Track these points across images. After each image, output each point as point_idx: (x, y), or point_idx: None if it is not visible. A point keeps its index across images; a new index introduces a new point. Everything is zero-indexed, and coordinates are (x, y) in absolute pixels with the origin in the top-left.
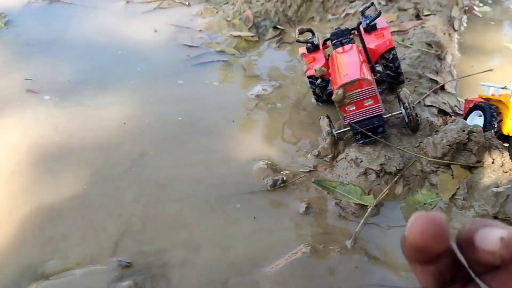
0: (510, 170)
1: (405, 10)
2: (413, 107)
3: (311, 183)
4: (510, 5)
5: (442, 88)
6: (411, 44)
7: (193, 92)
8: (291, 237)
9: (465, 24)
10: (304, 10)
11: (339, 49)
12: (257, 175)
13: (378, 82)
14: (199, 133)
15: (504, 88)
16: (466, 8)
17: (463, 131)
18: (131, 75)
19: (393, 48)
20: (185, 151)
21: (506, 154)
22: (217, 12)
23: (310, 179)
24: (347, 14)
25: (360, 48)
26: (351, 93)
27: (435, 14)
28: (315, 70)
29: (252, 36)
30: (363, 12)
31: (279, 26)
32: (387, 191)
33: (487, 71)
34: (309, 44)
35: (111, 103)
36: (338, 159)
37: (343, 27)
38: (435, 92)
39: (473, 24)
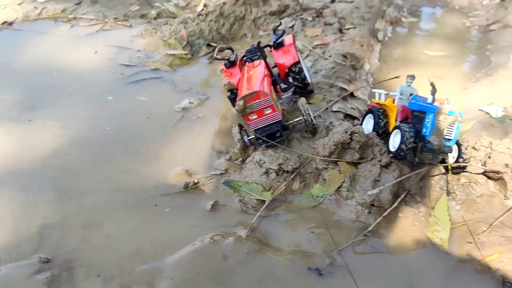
0: (387, 164)
1: (330, 24)
2: (309, 113)
3: (220, 185)
4: (437, 16)
5: (352, 95)
6: (329, 56)
7: (123, 107)
8: (196, 230)
9: (389, 35)
10: (236, 28)
11: (250, 65)
12: (173, 179)
13: (285, 91)
14: (124, 144)
15: (388, 94)
16: (393, 20)
17: (346, 132)
18: (63, 95)
19: (298, 62)
20: (109, 161)
21: (385, 150)
22: (155, 33)
23: (220, 181)
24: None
25: (270, 64)
26: (251, 103)
27: (355, 28)
28: (223, 84)
29: (185, 54)
30: (274, 30)
31: (212, 44)
32: (284, 187)
33: (394, 77)
34: (226, 61)
35: (42, 117)
36: (246, 162)
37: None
38: (344, 99)
39: (399, 34)
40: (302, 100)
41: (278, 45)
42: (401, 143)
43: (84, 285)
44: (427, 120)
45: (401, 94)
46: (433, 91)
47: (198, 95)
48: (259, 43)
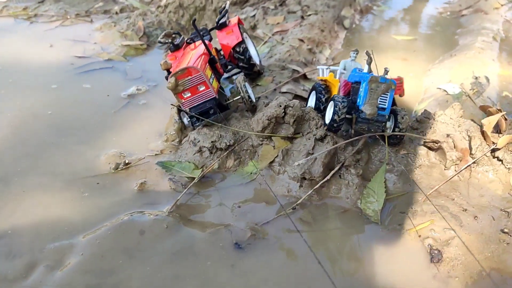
0: (321, 137)
1: (294, 12)
2: (246, 90)
3: (153, 165)
4: (410, 4)
5: (305, 77)
6: (286, 42)
7: (68, 95)
8: (119, 209)
9: (357, 22)
10: (197, 18)
11: (191, 46)
12: (105, 162)
13: (229, 71)
14: (62, 129)
15: (328, 68)
16: (364, 8)
17: (280, 106)
18: (2, 86)
19: (242, 42)
20: (43, 146)
21: (321, 124)
22: (114, 26)
23: (154, 162)
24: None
25: (209, 44)
26: (183, 80)
27: (317, 14)
28: (160, 64)
29: (141, 44)
30: (220, 12)
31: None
32: (217, 164)
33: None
34: (170, 45)
35: None
36: (182, 142)
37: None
38: (296, 81)
39: (369, 22)
40: (239, 77)
41: (221, 26)
42: (333, 114)
43: None
44: (360, 90)
45: (344, 69)
46: (369, 61)
47: (148, 82)
48: (194, 20)
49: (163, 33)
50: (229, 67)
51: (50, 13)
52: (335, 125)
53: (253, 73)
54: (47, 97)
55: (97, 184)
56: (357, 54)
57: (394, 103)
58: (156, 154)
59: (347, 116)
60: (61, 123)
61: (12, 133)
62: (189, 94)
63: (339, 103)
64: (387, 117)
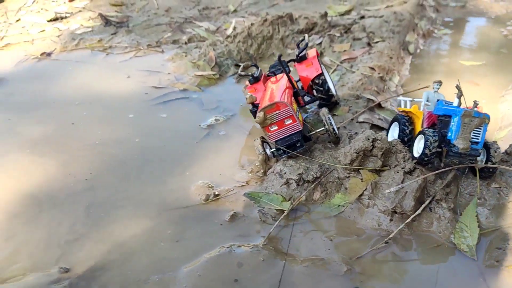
0: (410, 170)
1: (359, 39)
2: (331, 123)
3: (241, 196)
4: (472, 26)
5: (380, 106)
6: (357, 70)
7: (146, 125)
8: (214, 240)
9: (422, 47)
10: (264, 48)
11: (273, 79)
12: (195, 192)
13: (309, 103)
14: (150, 159)
15: (412, 101)
16: (426, 32)
17: (368, 139)
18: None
19: (321, 74)
20: (134, 175)
21: (409, 156)
22: (185, 56)
23: (241, 193)
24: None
25: (291, 77)
26: (271, 115)
27: (384, 41)
28: (246, 97)
29: (214, 74)
30: (298, 45)
31: (240, 64)
32: (304, 197)
33: (424, 87)
34: (250, 77)
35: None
36: (268, 173)
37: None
38: (371, 110)
39: (432, 46)
40: (324, 110)
41: (301, 59)
42: (424, 147)
43: None
44: (452, 123)
45: (427, 100)
46: (459, 94)
47: (225, 112)
48: (279, 56)
49: (242, 66)
50: (309, 98)
51: (123, 44)
52: (425, 158)
53: (331, 104)
54: (132, 127)
55: (190, 215)
56: (440, 85)
57: None
58: (242, 185)
59: (437, 149)
60: (146, 153)
61: (100, 160)
62: (276, 128)
63: (430, 137)
64: (480, 151)
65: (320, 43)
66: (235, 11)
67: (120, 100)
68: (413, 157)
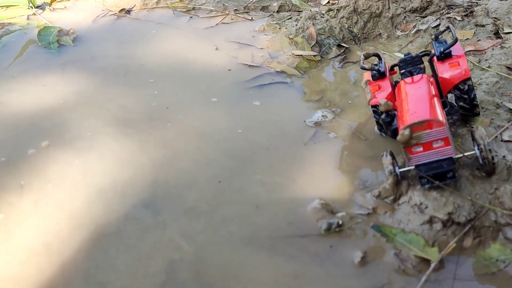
0: None
1: (483, 26)
2: (489, 149)
3: (368, 228)
4: None
5: None
6: (488, 67)
7: (238, 113)
8: None
9: None
10: (370, 27)
11: (408, 79)
12: (311, 217)
13: (449, 114)
14: (248, 164)
15: None
16: None
17: None
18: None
19: (469, 79)
20: (232, 181)
21: None
22: (279, 28)
23: (367, 223)
24: (417, 31)
25: (431, 79)
26: (419, 133)
27: None
28: (380, 104)
29: (314, 56)
30: (436, 37)
31: (343, 44)
32: (455, 244)
33: None
34: (374, 72)
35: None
36: (400, 202)
37: (413, 53)
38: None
39: None
40: (481, 130)
41: (445, 56)
42: None
43: None
44: None
45: None
46: None
47: (331, 106)
48: (424, 52)
49: (363, 56)
50: (451, 109)
51: (208, 7)
52: None
53: (472, 114)
54: (230, 120)
55: (308, 248)
56: None
57: None
58: (368, 214)
59: None
60: (239, 150)
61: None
62: (421, 149)
63: None
64: None
65: (437, 26)
66: None
67: (208, 79)
68: None
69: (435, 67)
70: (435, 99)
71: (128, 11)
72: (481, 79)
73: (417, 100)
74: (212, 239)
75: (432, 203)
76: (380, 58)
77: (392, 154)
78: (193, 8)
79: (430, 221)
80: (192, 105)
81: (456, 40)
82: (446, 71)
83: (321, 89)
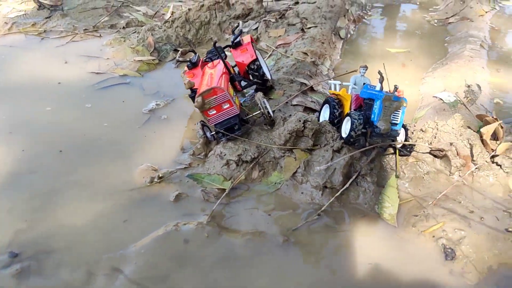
0: (338, 149)
1: (293, 25)
2: (266, 106)
3: (184, 178)
4: (398, 12)
5: (313, 89)
6: (291, 55)
7: (92, 112)
8: (161, 220)
9: (352, 32)
10: (202, 33)
11: (210, 64)
12: (139, 175)
13: (245, 87)
14: (97, 145)
15: (341, 84)
16: (356, 18)
17: (300, 120)
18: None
19: (256, 60)
20: (79, 161)
21: (337, 136)
22: (124, 41)
23: (184, 175)
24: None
25: (227, 62)
26: (209, 99)
27: (316, 27)
28: (184, 83)
29: (153, 60)
30: (233, 31)
31: (178, 49)
32: (244, 176)
33: (353, 71)
34: (188, 63)
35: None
36: (209, 155)
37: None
38: (304, 93)
39: (362, 31)
40: (259, 94)
41: (236, 45)
42: (351, 130)
43: (52, 274)
44: (374, 106)
45: (354, 84)
46: (381, 79)
47: (165, 97)
48: (215, 42)
49: (180, 52)
50: (245, 83)
51: (59, 29)
52: (351, 139)
53: (266, 88)
54: (74, 113)
55: (136, 197)
56: (366, 70)
57: None
58: (185, 167)
59: (362, 130)
60: (90, 139)
61: (48, 150)
62: (214, 112)
63: (356, 121)
64: (399, 131)
65: (256, 29)
66: None
67: (60, 87)
68: (341, 137)
69: (224, 54)
70: (224, 75)
71: None
72: (284, 64)
73: (210, 77)
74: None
75: (228, 151)
76: (195, 53)
77: (203, 122)
78: (45, 31)
79: (227, 163)
80: (29, 116)
81: (241, 31)
82: (239, 56)
83: (158, 85)
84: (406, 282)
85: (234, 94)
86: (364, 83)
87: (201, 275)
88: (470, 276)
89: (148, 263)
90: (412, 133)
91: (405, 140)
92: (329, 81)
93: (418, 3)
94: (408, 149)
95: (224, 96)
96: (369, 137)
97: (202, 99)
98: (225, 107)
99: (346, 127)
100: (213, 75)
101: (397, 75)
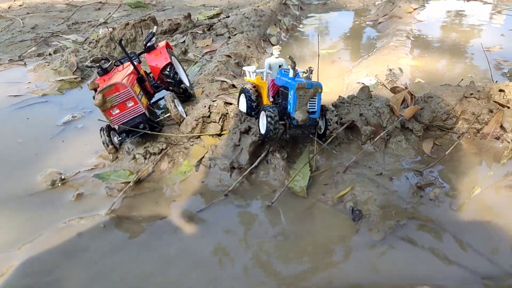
0: (246, 130)
1: (222, 35)
2: (175, 106)
3: (89, 177)
4: (332, 19)
5: (234, 87)
6: (215, 60)
7: (6, 129)
8: (58, 218)
9: (284, 39)
10: (129, 50)
11: (120, 67)
12: (42, 180)
13: (157, 88)
14: (3, 157)
15: (255, 71)
16: (289, 27)
17: (205, 106)
18: None
19: (170, 63)
20: None
21: (244, 118)
22: (48, 65)
23: (90, 175)
24: (153, 36)
25: (138, 65)
26: (111, 97)
27: (242, 33)
28: (87, 84)
29: (75, 78)
30: (148, 36)
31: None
32: (151, 168)
33: None
34: (99, 70)
35: None
36: (119, 154)
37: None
38: (225, 90)
39: (295, 38)
40: (168, 95)
41: (149, 49)
42: (267, 128)
43: None
44: (289, 97)
45: (269, 68)
46: (292, 65)
47: (84, 109)
48: (120, 40)
49: (91, 59)
50: (159, 88)
51: None
52: (269, 135)
53: (184, 95)
54: None
55: (35, 201)
56: (279, 50)
57: None
58: (91, 169)
59: (280, 123)
60: (1, 155)
61: None
62: (118, 111)
63: (271, 118)
64: (318, 119)
65: (184, 41)
66: (105, 22)
67: None
68: (260, 134)
69: (137, 58)
70: (131, 75)
71: None
72: (207, 68)
73: (115, 76)
74: None
75: (135, 146)
76: (108, 61)
77: (108, 127)
78: None
79: (134, 157)
80: None
81: (153, 34)
82: (153, 60)
83: (78, 100)
84: (313, 249)
85: (141, 93)
86: (280, 66)
87: (86, 265)
88: (377, 234)
89: (33, 259)
90: (331, 119)
91: (327, 124)
92: (244, 68)
93: (352, 10)
94: (327, 137)
95: (128, 92)
96: (289, 128)
97: (102, 96)
98: (130, 105)
99: (263, 122)
100: (118, 75)
101: (326, 71)
